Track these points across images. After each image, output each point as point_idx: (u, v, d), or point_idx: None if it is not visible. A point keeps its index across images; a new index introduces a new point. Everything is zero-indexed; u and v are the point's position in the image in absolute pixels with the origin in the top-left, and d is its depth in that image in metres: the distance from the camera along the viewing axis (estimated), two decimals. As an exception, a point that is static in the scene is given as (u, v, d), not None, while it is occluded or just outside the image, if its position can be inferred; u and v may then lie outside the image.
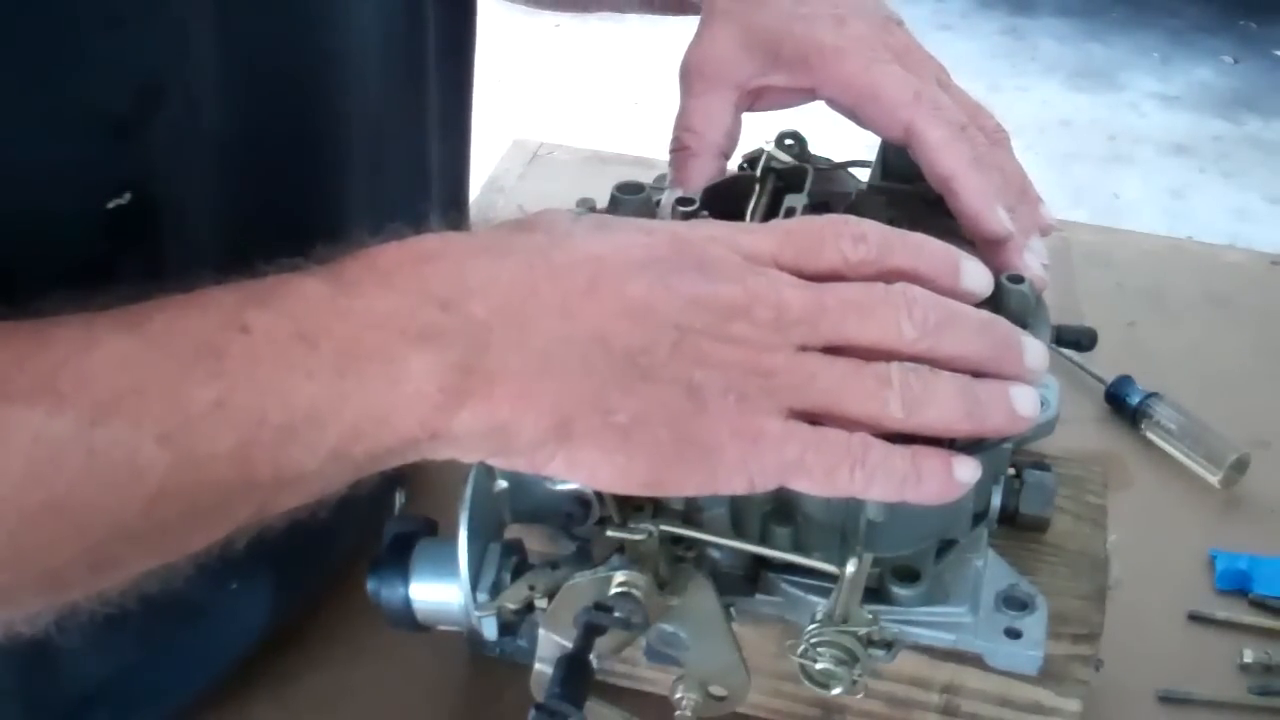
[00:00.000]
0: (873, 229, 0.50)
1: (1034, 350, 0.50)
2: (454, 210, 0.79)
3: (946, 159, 0.58)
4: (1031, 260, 0.57)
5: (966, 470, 0.48)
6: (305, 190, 0.60)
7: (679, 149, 0.63)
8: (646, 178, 0.62)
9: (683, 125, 0.63)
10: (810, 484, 0.47)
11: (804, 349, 0.47)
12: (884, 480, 0.47)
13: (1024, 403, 0.49)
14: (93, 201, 0.50)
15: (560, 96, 3.26)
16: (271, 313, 0.44)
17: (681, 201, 0.58)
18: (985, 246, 0.57)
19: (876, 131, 0.61)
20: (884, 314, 0.48)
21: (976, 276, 0.51)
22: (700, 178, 0.62)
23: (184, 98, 0.51)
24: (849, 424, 0.47)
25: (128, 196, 0.51)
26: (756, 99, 0.64)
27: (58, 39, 0.46)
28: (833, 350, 0.48)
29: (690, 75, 0.64)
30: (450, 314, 0.45)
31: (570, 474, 0.47)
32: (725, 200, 0.61)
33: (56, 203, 0.49)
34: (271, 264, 0.46)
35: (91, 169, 0.50)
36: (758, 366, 0.46)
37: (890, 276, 0.49)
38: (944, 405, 0.48)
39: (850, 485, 0.47)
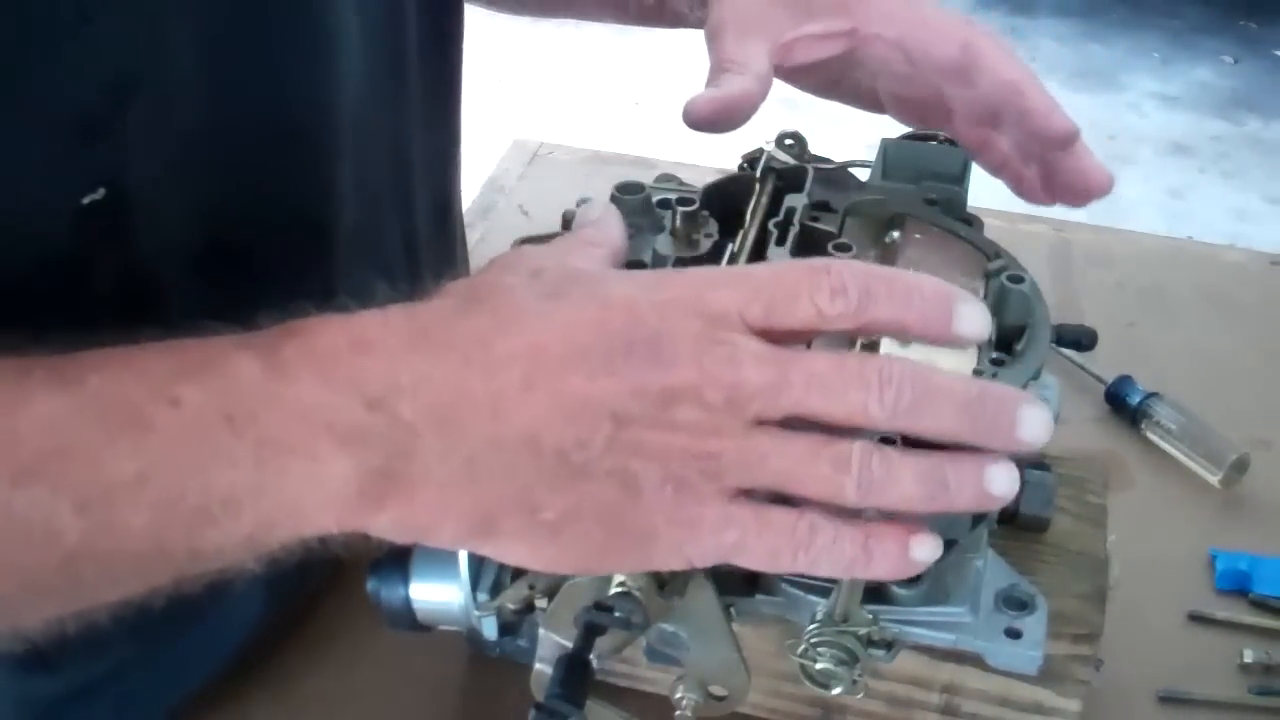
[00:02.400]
0: (855, 278, 0.44)
1: (1033, 422, 0.45)
2: (441, 207, 0.79)
3: (1012, 66, 0.61)
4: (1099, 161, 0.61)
5: (924, 550, 0.45)
6: (283, 185, 0.59)
7: (719, 70, 0.60)
8: (646, 178, 0.62)
9: (723, 58, 0.60)
10: (751, 564, 0.46)
11: (760, 422, 0.44)
12: (830, 563, 0.45)
13: (999, 483, 0.45)
14: (66, 197, 0.50)
15: (560, 96, 3.26)
16: (202, 390, 0.44)
17: (682, 201, 0.58)
18: (1051, 149, 0.60)
19: (922, 59, 0.62)
20: (851, 395, 0.43)
21: (972, 320, 0.46)
22: (738, 86, 0.59)
23: (158, 93, 0.51)
24: (802, 501, 0.45)
25: (102, 192, 0.51)
26: (789, 53, 0.63)
27: (26, 36, 0.46)
28: (794, 420, 0.45)
29: (723, 30, 0.62)
30: (377, 414, 0.44)
31: (500, 560, 0.47)
32: (725, 200, 0.61)
33: (29, 198, 0.49)
34: (249, 260, 0.46)
35: (64, 165, 0.50)
36: (700, 451, 0.44)
37: (871, 328, 0.45)
38: (905, 489, 0.44)
39: (793, 566, 0.45)
